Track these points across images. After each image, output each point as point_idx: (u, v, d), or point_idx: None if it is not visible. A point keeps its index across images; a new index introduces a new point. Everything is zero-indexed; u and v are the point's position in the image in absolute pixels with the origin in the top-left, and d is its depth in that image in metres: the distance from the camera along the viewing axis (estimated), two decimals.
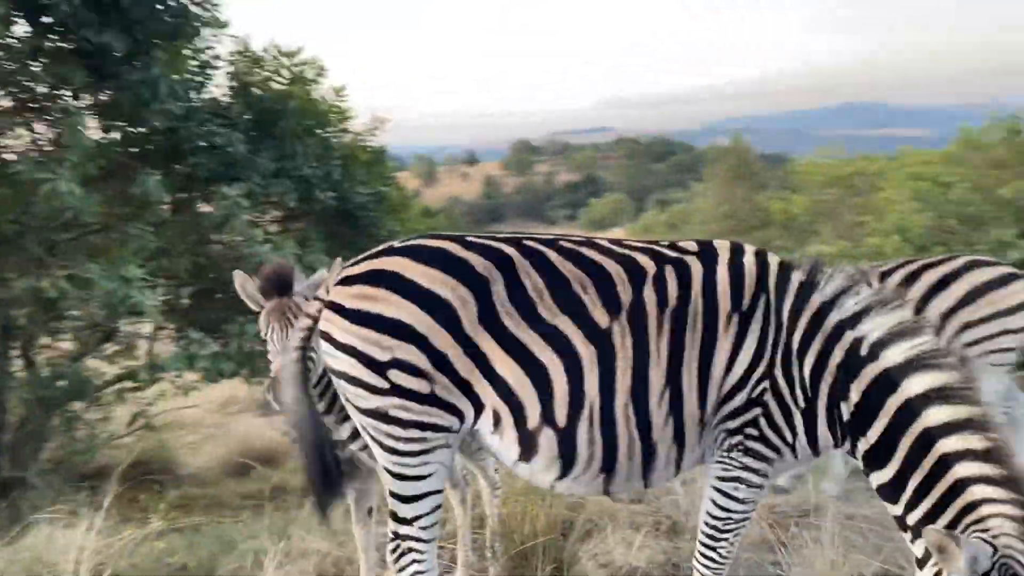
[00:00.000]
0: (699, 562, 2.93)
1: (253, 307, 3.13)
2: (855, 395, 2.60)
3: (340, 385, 2.72)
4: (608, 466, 2.72)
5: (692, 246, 2.88)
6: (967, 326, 4.67)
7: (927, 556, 2.47)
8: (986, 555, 2.27)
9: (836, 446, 2.73)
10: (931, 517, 2.47)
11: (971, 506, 2.39)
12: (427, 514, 2.77)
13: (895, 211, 12.83)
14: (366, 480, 3.43)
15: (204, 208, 7.98)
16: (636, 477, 2.79)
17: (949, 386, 2.47)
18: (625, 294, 2.70)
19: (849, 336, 2.63)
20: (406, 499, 2.75)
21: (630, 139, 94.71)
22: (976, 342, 4.66)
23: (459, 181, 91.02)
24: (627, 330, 2.66)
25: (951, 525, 2.42)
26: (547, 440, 2.66)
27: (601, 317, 2.66)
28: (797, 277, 2.75)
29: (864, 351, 2.60)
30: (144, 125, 7.17)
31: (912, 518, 2.52)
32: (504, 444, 2.70)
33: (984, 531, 2.33)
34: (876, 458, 2.59)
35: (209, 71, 8.26)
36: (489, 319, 2.62)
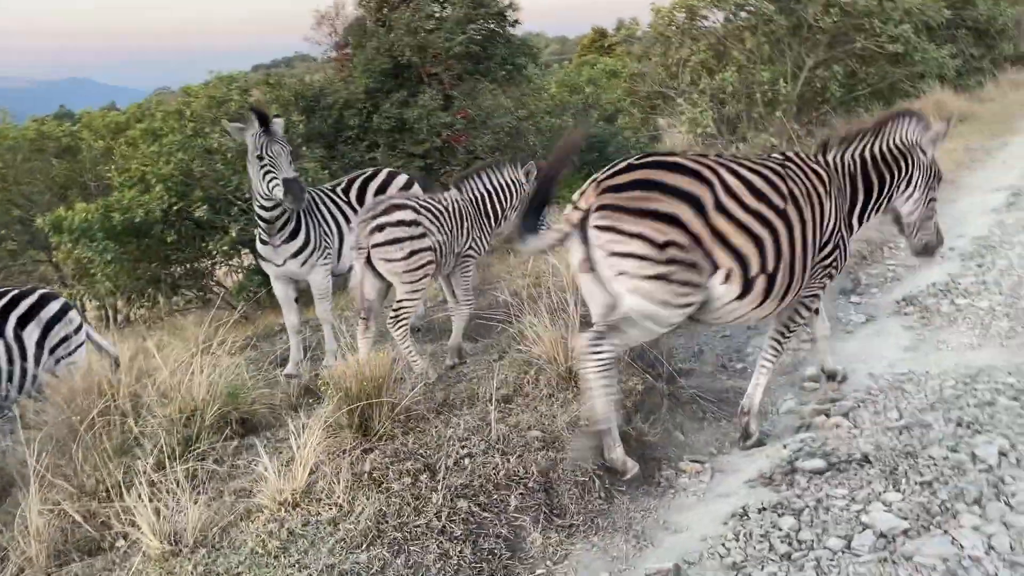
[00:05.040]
0: (770, 349, 4.47)
1: None
2: None
3: (624, 263, 3.70)
4: (783, 296, 4.06)
5: (792, 155, 4.33)
6: None
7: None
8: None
9: None
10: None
11: None
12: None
13: (138, 165, 12.99)
14: None
15: None
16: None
17: None
18: (784, 186, 4.05)
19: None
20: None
21: None
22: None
23: None
24: (791, 208, 4.02)
25: None
26: (761, 282, 3.92)
27: (779, 201, 3.98)
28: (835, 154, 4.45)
29: None
30: None
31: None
32: (730, 289, 3.86)
33: None
34: None
35: None
36: (720, 206, 3.79)
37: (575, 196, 3.88)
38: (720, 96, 13.82)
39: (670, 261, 3.68)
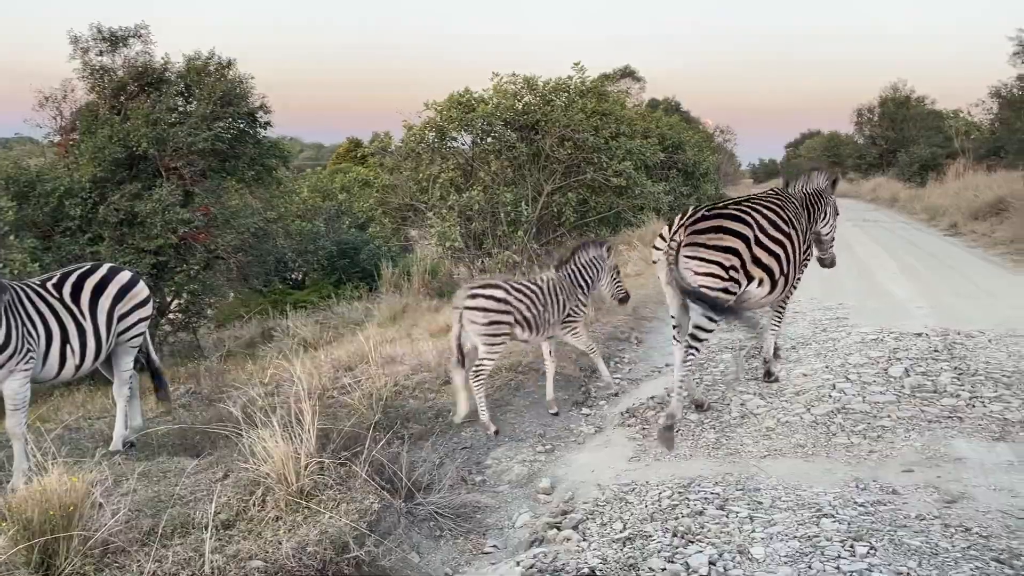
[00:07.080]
0: (776, 317, 6.99)
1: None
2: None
3: (703, 280, 5.64)
4: (793, 285, 6.47)
5: (780, 189, 6.71)
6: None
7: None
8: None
9: None
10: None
11: None
12: (713, 329, 5.88)
13: None
14: None
15: None
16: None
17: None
18: (784, 214, 6.21)
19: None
20: (712, 319, 5.73)
21: None
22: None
23: None
24: (791, 230, 6.16)
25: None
26: (781, 281, 6.05)
27: (785, 228, 6.11)
28: (799, 185, 6.82)
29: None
30: None
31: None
32: (762, 289, 5.90)
33: None
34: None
35: None
36: (758, 240, 5.83)
37: (666, 233, 5.89)
38: (467, 213, 14.43)
39: (731, 279, 5.70)
